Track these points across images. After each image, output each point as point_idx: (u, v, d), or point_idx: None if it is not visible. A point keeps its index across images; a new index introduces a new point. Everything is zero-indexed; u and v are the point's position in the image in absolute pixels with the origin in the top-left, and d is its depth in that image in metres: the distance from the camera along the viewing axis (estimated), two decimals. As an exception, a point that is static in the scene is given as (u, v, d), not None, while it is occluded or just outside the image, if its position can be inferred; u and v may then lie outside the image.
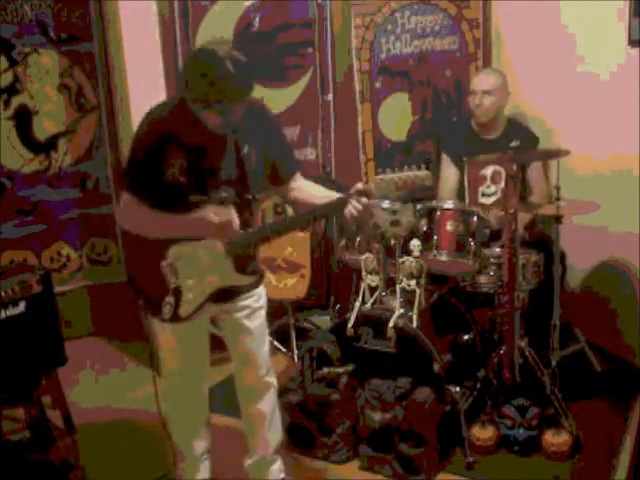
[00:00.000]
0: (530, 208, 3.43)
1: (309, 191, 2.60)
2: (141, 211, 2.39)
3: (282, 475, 2.92)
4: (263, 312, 2.70)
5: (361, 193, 2.36)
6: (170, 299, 2.47)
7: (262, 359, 2.74)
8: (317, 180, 2.68)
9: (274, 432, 2.87)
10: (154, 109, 2.44)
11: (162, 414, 2.77)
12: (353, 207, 2.36)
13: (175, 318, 2.49)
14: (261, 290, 2.68)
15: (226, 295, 2.56)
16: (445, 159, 3.89)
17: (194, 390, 2.76)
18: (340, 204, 2.39)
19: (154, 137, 2.36)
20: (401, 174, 2.34)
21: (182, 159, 2.37)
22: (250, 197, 2.48)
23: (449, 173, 3.86)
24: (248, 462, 2.91)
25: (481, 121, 3.75)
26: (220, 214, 2.39)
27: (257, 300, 2.66)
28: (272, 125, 2.60)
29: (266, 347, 2.75)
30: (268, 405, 2.81)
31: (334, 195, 2.48)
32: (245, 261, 2.51)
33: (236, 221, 2.41)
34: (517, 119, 3.89)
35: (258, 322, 2.68)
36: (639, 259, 3.57)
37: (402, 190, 2.31)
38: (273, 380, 2.81)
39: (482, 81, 3.74)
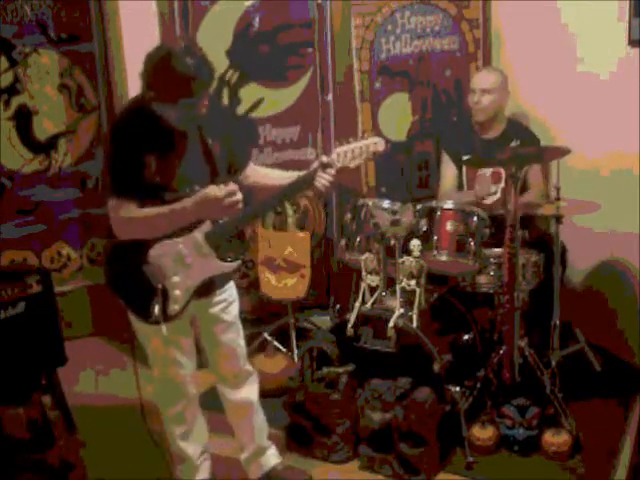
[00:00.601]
0: (529, 208, 3.43)
1: (266, 174, 2.74)
2: (136, 214, 2.39)
3: (278, 460, 2.97)
4: (236, 305, 2.79)
5: (325, 165, 2.46)
6: (158, 300, 2.49)
7: (241, 349, 2.83)
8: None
9: (262, 419, 2.93)
10: (118, 115, 2.48)
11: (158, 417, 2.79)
12: (323, 179, 2.47)
13: (164, 318, 2.51)
14: (232, 283, 2.77)
15: (206, 289, 2.61)
16: (445, 158, 3.89)
17: (185, 390, 2.77)
18: (308, 179, 2.49)
19: (123, 143, 2.39)
20: (358, 142, 2.49)
21: (153, 159, 2.39)
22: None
23: (449, 172, 3.87)
24: (244, 456, 2.95)
25: (480, 120, 3.75)
26: (222, 189, 2.40)
27: (231, 294, 2.76)
28: (227, 117, 2.67)
29: (242, 338, 2.83)
30: (252, 393, 2.89)
31: (292, 174, 2.60)
32: (226, 248, 2.56)
33: (239, 195, 2.43)
34: (517, 119, 3.89)
35: (234, 314, 2.77)
36: (639, 259, 3.58)
37: (359, 157, 2.49)
38: (251, 368, 2.89)
39: (481, 79, 3.75)
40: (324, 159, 2.47)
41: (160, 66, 2.27)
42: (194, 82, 2.27)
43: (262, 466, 2.94)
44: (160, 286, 2.49)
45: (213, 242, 2.51)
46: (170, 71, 2.25)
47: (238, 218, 2.54)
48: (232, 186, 2.41)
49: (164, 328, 2.51)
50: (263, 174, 2.75)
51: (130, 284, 2.53)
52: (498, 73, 3.77)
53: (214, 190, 2.38)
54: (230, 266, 2.59)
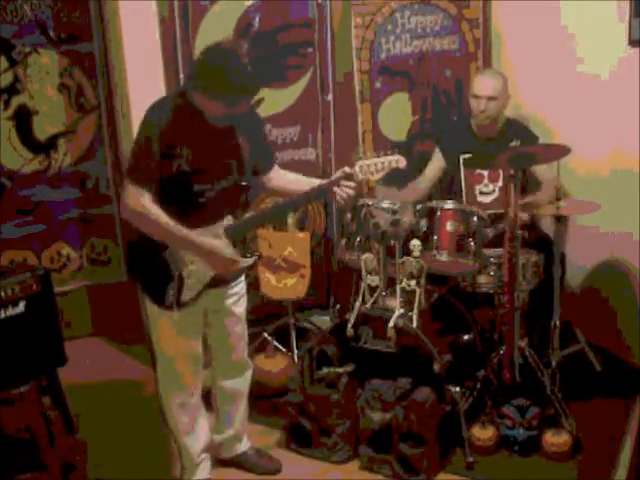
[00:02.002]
0: (529, 208, 3.43)
1: (288, 179, 2.79)
2: (152, 214, 2.44)
3: (249, 444, 3.09)
4: (245, 298, 2.88)
5: (348, 177, 2.53)
6: (173, 286, 2.56)
7: (245, 340, 2.93)
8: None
9: (246, 408, 3.04)
10: (157, 103, 2.51)
11: (163, 413, 2.81)
12: (343, 190, 2.54)
13: (178, 304, 2.58)
14: (243, 277, 2.85)
15: (221, 279, 2.67)
16: (436, 152, 3.88)
17: (193, 377, 2.81)
18: (329, 187, 2.57)
19: (160, 131, 2.42)
20: (380, 158, 2.56)
21: (188, 150, 2.44)
22: (245, 184, 2.62)
23: (435, 165, 3.86)
24: (220, 437, 3.02)
25: (484, 124, 3.72)
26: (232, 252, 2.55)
27: (242, 287, 2.84)
28: (255, 118, 2.74)
29: (246, 328, 2.93)
30: (246, 384, 3.00)
31: (314, 181, 2.66)
32: (243, 244, 2.64)
33: (239, 265, 2.59)
34: (517, 119, 3.88)
35: (243, 307, 2.86)
36: (639, 259, 3.58)
37: (381, 171, 2.56)
38: (249, 360, 3.01)
39: (486, 86, 3.66)
40: (347, 170, 2.55)
41: (215, 64, 2.32)
42: (249, 82, 2.33)
43: (235, 450, 3.06)
44: (177, 273, 2.56)
45: (232, 237, 2.58)
46: (230, 70, 2.30)
47: (258, 217, 2.66)
48: (238, 258, 2.57)
49: (176, 314, 2.59)
50: (288, 179, 2.79)
51: (148, 269, 2.59)
52: (500, 77, 3.72)
53: (226, 249, 2.52)
54: (246, 261, 2.66)
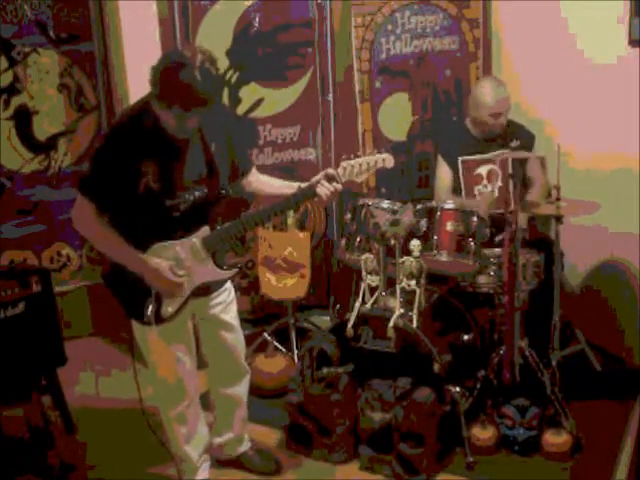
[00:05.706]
0: (528, 208, 3.42)
1: (267, 182, 2.75)
2: (102, 228, 2.43)
3: (250, 444, 3.08)
4: (235, 304, 2.82)
5: (330, 178, 2.48)
6: (152, 301, 2.50)
7: (241, 348, 2.88)
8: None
9: (245, 412, 3.02)
10: (118, 119, 2.49)
11: (157, 417, 2.79)
12: (324, 191, 2.47)
13: (158, 320, 2.52)
14: (229, 284, 2.79)
15: (203, 290, 2.62)
16: (439, 159, 3.88)
17: (186, 389, 2.77)
18: (310, 190, 2.50)
19: (123, 149, 2.36)
20: (366, 157, 2.51)
21: (153, 166, 2.38)
22: (222, 192, 2.56)
23: (443, 172, 3.84)
24: (219, 440, 3.01)
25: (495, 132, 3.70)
26: (174, 274, 2.47)
27: (229, 294, 2.78)
28: (229, 123, 2.68)
29: (241, 335, 2.88)
30: (245, 389, 2.97)
31: (293, 184, 2.61)
32: (223, 255, 2.61)
33: (184, 287, 2.51)
34: (513, 119, 3.86)
35: (233, 314, 2.81)
36: (639, 259, 3.58)
37: (366, 172, 2.52)
38: (247, 366, 2.96)
39: (503, 103, 3.62)
40: (329, 172, 2.49)
41: (168, 72, 2.23)
42: (195, 97, 2.23)
43: (236, 450, 3.05)
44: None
45: (210, 248, 2.53)
46: (176, 80, 2.21)
47: (237, 226, 2.55)
48: (182, 278, 2.48)
49: (155, 329, 2.53)
50: (266, 182, 2.75)
51: (126, 284, 2.52)
52: (503, 85, 3.67)
53: (166, 270, 2.44)
54: (226, 274, 2.63)
